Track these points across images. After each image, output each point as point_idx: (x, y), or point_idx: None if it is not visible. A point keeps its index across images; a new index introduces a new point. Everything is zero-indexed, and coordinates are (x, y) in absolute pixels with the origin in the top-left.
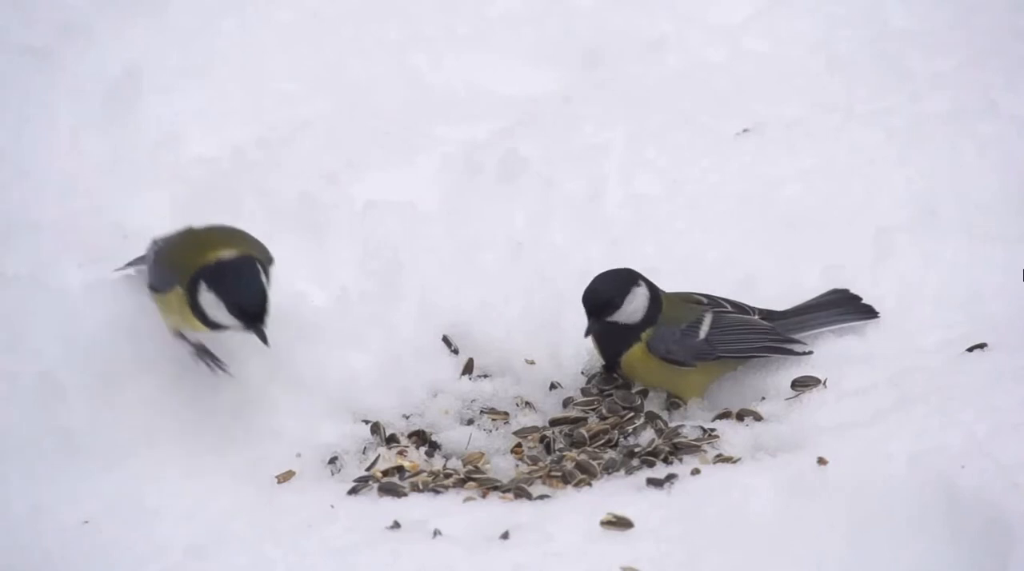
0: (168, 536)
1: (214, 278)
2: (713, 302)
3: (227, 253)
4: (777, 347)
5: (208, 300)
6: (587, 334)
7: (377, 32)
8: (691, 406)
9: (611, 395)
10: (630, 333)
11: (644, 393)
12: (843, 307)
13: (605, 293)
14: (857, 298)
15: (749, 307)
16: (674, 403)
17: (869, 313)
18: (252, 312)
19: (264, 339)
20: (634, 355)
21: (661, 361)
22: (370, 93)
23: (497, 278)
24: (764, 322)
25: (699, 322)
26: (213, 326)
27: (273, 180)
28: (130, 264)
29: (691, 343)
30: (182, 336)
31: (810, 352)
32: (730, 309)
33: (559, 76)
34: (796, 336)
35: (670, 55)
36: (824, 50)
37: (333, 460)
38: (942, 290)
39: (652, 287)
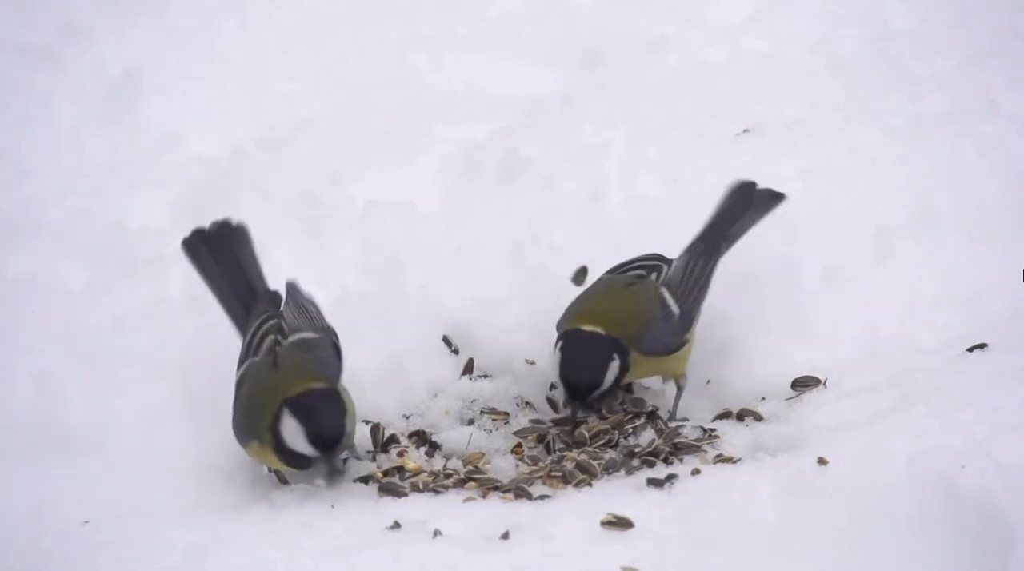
0: (168, 536)
1: (297, 407)
2: (648, 269)
3: (317, 384)
4: (716, 256)
5: (290, 428)
6: (574, 418)
7: (377, 32)
8: (685, 385)
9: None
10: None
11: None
12: (752, 206)
13: (588, 380)
14: (753, 185)
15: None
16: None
17: (777, 198)
18: (327, 440)
19: (333, 472)
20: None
21: (659, 356)
22: (370, 93)
23: (497, 278)
24: (685, 251)
25: (665, 303)
26: (295, 463)
27: (273, 180)
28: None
29: (675, 325)
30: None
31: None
32: (663, 265)
33: (559, 76)
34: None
35: (670, 55)
36: (824, 50)
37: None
38: (942, 290)
39: (621, 350)
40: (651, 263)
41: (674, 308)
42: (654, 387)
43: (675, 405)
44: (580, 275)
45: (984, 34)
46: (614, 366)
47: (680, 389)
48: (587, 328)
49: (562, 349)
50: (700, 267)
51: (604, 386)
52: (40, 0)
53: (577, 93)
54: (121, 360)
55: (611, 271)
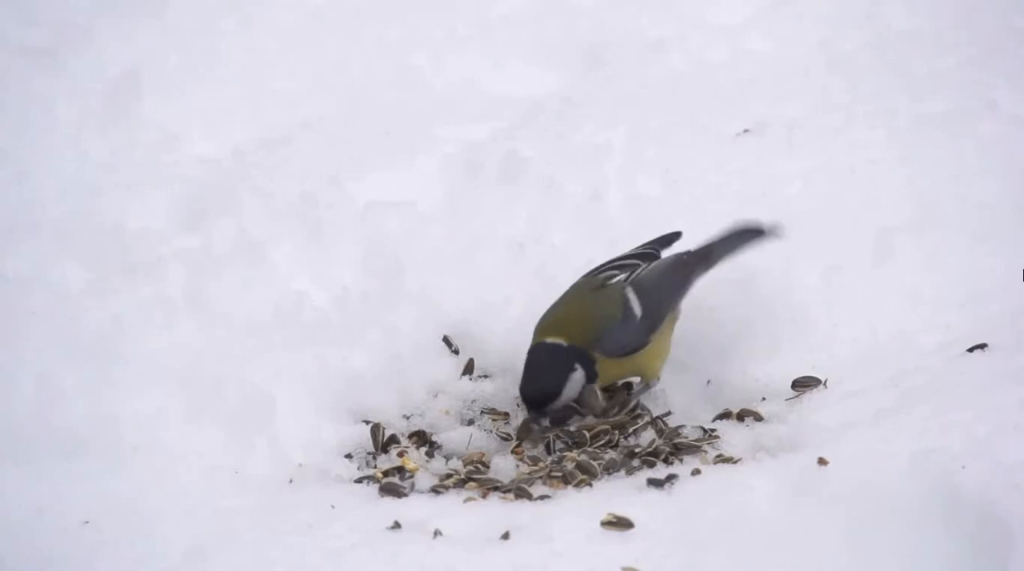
0: (168, 536)
1: None
2: (623, 268)
3: None
4: (697, 272)
5: None
6: (525, 430)
7: (377, 32)
8: (656, 385)
9: (611, 397)
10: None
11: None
12: (743, 234)
13: (544, 390)
14: (755, 223)
15: (652, 251)
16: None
17: (769, 232)
18: None
19: None
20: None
21: (621, 358)
22: (370, 93)
23: (498, 278)
24: (669, 256)
25: (627, 303)
26: None
27: (273, 180)
28: None
29: (635, 326)
30: None
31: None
32: (640, 265)
33: (559, 76)
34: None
35: (670, 55)
36: (824, 50)
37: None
38: (942, 290)
39: (585, 360)
40: (630, 262)
41: (636, 310)
42: (655, 387)
43: (638, 394)
44: None
45: (985, 34)
46: (576, 377)
47: (648, 386)
48: (550, 340)
49: (525, 364)
50: (677, 274)
51: (561, 397)
52: (40, 0)
53: (577, 93)
54: (121, 360)
55: (591, 272)
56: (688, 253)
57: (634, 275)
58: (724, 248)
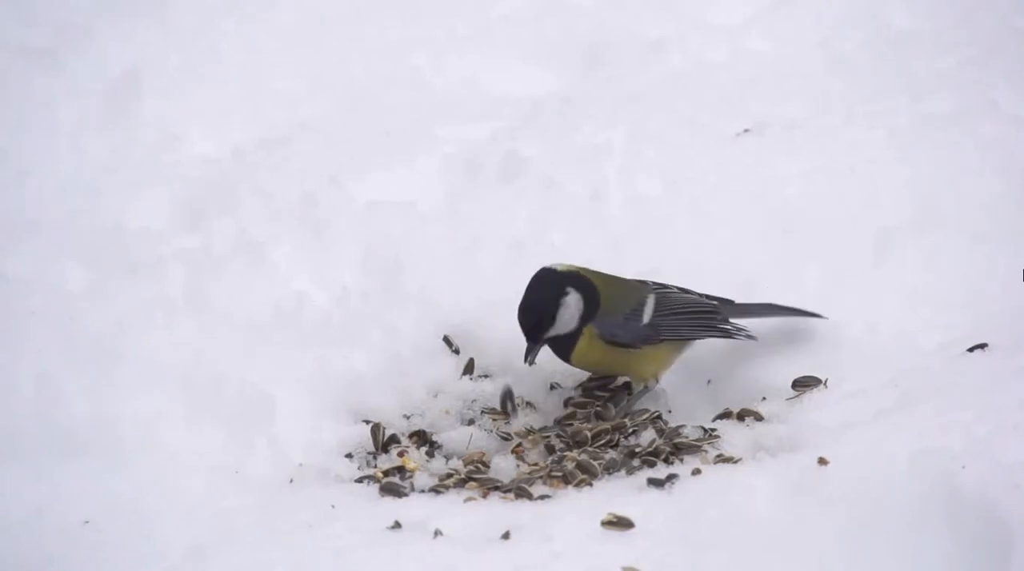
0: (168, 536)
1: None
2: (659, 285)
3: None
4: (721, 329)
5: None
6: (528, 360)
7: (378, 32)
8: (655, 387)
9: (611, 397)
10: (573, 333)
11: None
12: (793, 308)
13: (537, 312)
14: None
15: (697, 293)
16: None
17: (816, 314)
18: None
19: None
20: (581, 348)
21: (608, 345)
22: (371, 93)
23: (498, 278)
24: (709, 301)
25: (642, 305)
26: None
27: (273, 180)
28: None
29: (635, 327)
30: None
31: (753, 339)
32: (675, 290)
33: (559, 76)
34: (741, 319)
35: (670, 55)
36: (824, 50)
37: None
38: (942, 290)
39: (585, 286)
40: (670, 284)
41: (646, 317)
42: (654, 389)
43: (632, 400)
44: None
45: (985, 34)
46: (568, 301)
47: (646, 388)
48: (561, 269)
49: (526, 288)
50: (698, 311)
51: (556, 322)
52: (40, 0)
53: (577, 93)
54: (121, 360)
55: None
56: (722, 301)
57: (664, 289)
58: (762, 312)
